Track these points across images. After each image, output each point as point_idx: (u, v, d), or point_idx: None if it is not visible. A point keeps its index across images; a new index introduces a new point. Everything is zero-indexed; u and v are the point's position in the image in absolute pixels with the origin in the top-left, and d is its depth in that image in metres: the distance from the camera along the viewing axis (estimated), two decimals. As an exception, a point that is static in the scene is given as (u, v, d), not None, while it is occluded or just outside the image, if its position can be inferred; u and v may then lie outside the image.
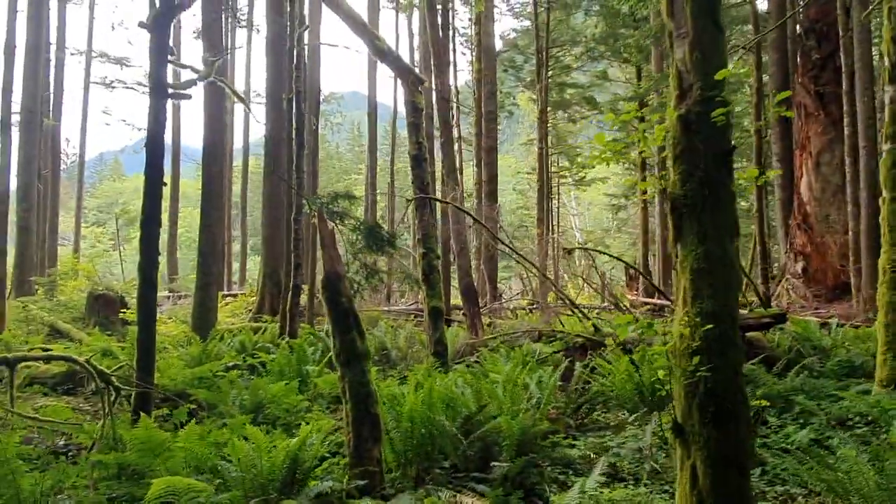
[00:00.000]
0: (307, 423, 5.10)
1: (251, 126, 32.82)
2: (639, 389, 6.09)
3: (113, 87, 23.35)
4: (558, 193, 33.70)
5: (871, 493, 3.42)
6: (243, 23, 24.72)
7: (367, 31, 9.13)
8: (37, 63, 17.58)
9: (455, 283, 16.06)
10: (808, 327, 8.94)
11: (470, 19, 27.85)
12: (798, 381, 6.52)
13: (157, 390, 5.45)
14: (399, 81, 29.90)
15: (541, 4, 22.28)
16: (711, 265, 2.71)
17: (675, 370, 2.71)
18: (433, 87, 12.55)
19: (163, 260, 28.11)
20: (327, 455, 4.72)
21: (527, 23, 29.37)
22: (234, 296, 18.79)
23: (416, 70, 10.08)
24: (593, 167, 34.19)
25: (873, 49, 13.45)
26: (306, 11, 13.39)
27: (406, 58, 20.04)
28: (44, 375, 7.76)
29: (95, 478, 4.10)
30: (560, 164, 31.85)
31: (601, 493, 4.36)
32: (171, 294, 20.94)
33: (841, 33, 13.63)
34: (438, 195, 12.33)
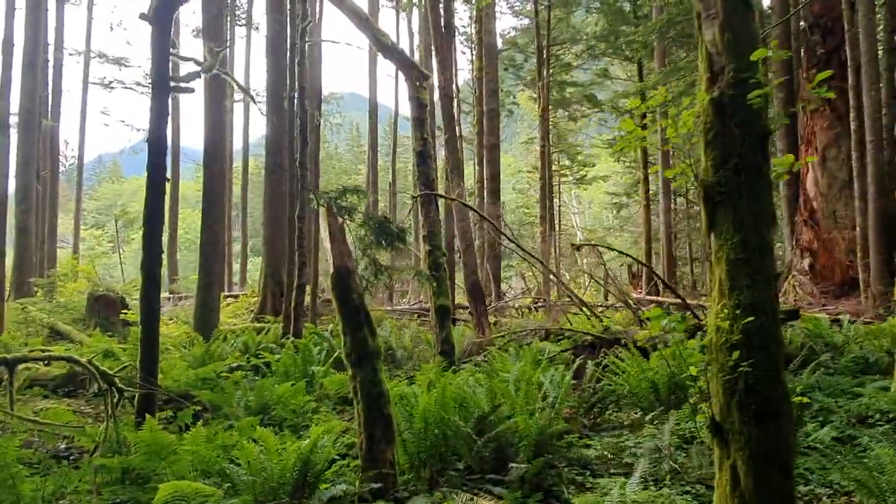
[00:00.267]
0: (315, 425, 4.96)
1: (251, 127, 32.70)
2: (654, 388, 5.95)
3: (112, 88, 23.20)
4: (559, 192, 33.56)
5: (908, 493, 3.29)
6: (242, 21, 24.57)
7: (370, 25, 9.00)
8: (35, 63, 17.44)
9: (458, 281, 15.93)
10: (819, 324, 8.81)
11: (470, 17, 27.74)
12: (814, 379, 6.38)
13: (160, 391, 5.31)
14: (400, 80, 29.78)
15: (541, 2, 22.16)
16: (749, 255, 2.57)
17: (711, 366, 2.57)
18: (436, 84, 12.42)
19: (163, 261, 27.94)
20: (337, 457, 4.59)
21: (526, 21, 29.26)
22: (236, 297, 18.65)
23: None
24: (594, 165, 34.16)
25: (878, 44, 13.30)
26: (308, 7, 13.23)
27: (407, 56, 19.87)
28: (44, 378, 7.61)
29: (98, 482, 3.96)
30: (561, 163, 31.72)
31: (623, 493, 4.23)
32: (171, 295, 20.79)
33: (846, 27, 13.50)
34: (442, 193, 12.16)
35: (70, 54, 22.91)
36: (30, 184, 16.69)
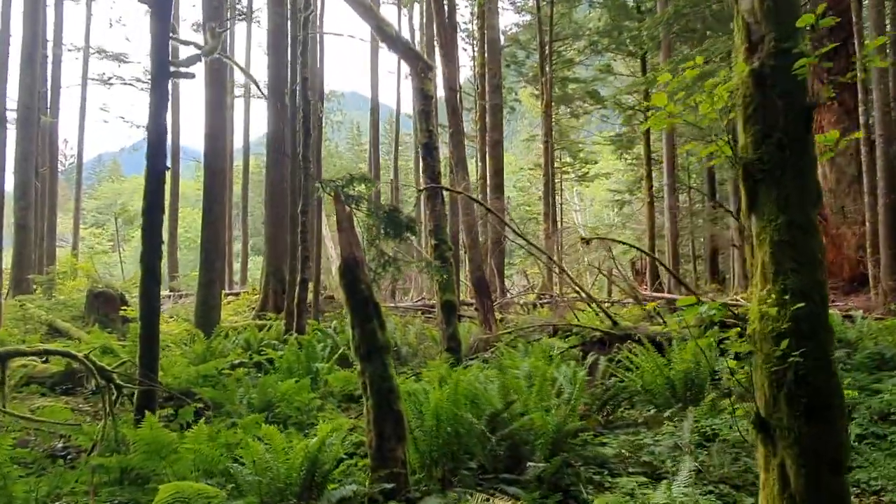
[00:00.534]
0: (321, 422, 4.78)
1: (251, 126, 32.54)
2: (670, 384, 5.76)
3: (111, 84, 23.01)
4: (561, 189, 33.35)
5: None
6: (242, 16, 24.37)
7: (373, 15, 8.81)
8: (34, 59, 17.25)
9: (460, 277, 15.75)
10: (831, 320, 8.60)
11: (471, 13, 27.55)
12: (833, 375, 6.19)
13: (161, 388, 5.12)
14: (402, 75, 29.60)
15: (544, -3, 21.97)
16: (795, 236, 2.38)
17: (755, 357, 2.38)
18: (440, 77, 12.24)
19: (163, 259, 27.79)
20: (344, 456, 4.40)
21: (528, 17, 29.06)
22: (237, 294, 18.47)
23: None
24: (596, 162, 33.95)
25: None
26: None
27: (409, 51, 19.66)
28: (41, 375, 7.43)
29: (96, 483, 3.77)
30: (563, 160, 31.50)
31: (644, 494, 4.05)
32: (172, 293, 20.61)
33: (854, 20, 13.30)
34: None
35: (69, 50, 22.72)
36: (28, 180, 16.51)
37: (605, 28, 24.12)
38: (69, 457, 5.12)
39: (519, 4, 30.13)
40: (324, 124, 28.55)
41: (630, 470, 4.56)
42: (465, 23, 28.78)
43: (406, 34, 28.48)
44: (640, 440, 5.00)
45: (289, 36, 11.82)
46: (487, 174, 18.94)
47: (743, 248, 19.07)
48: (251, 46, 37.80)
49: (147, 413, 3.80)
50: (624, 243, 12.46)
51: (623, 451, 4.86)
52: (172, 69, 5.19)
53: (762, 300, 2.38)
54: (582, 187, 39.31)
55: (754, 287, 2.48)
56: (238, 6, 23.64)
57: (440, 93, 13.34)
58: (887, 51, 12.94)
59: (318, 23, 17.81)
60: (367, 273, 4.03)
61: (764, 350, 2.34)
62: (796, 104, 2.52)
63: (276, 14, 14.31)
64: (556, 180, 28.91)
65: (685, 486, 3.12)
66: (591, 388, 6.26)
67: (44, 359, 7.32)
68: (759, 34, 2.65)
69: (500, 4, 24.20)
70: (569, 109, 30.00)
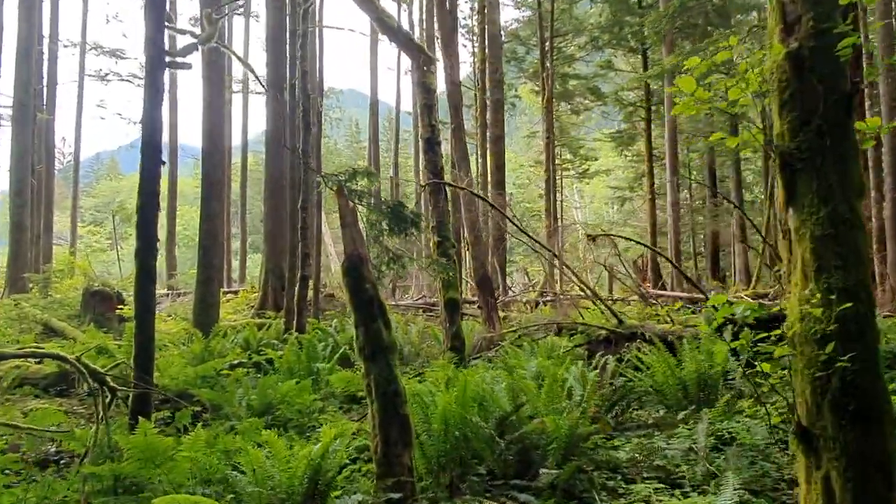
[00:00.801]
0: (323, 426, 4.60)
1: (249, 123, 32.33)
2: (682, 384, 5.59)
3: (108, 80, 22.77)
4: (561, 186, 33.16)
5: None
6: (240, 11, 24.14)
7: (374, 7, 8.61)
8: (29, 55, 17.05)
9: (462, 274, 15.56)
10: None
11: (472, 9, 27.34)
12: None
13: (156, 391, 4.94)
14: (402, 70, 29.37)
15: (544, -8, 21.76)
16: (838, 229, 2.21)
17: (795, 360, 2.20)
18: (441, 70, 12.05)
19: (161, 257, 27.57)
20: (347, 461, 4.22)
21: (528, 12, 28.84)
22: (235, 292, 18.28)
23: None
24: (596, 159, 33.77)
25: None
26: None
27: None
28: (35, 376, 7.24)
29: (87, 492, 3.59)
30: (563, 157, 31.31)
31: (660, 500, 3.88)
32: (170, 291, 20.41)
33: (860, 13, 13.10)
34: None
35: (65, 46, 22.50)
36: (24, 178, 16.32)
37: (606, 23, 23.93)
38: (62, 461, 4.95)
39: (519, 0, 29.93)
40: (323, 121, 28.35)
41: (644, 475, 4.39)
42: (464, 18, 28.56)
43: (406, 29, 28.24)
44: (652, 443, 4.83)
45: (288, 29, 11.62)
46: (488, 170, 18.76)
47: (746, 244, 18.91)
48: (250, 42, 37.50)
49: (141, 419, 3.61)
50: (630, 240, 12.29)
51: (636, 454, 4.68)
52: (168, 59, 4.99)
53: (803, 300, 2.20)
54: (582, 184, 39.13)
55: (793, 286, 2.30)
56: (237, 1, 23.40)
57: (441, 88, 13.17)
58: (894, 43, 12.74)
59: (317, 16, 17.60)
60: (371, 271, 3.85)
61: (806, 353, 2.17)
62: (837, 88, 2.34)
63: (276, 7, 14.10)
64: (557, 177, 28.74)
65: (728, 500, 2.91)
66: (599, 388, 6.09)
67: (38, 359, 7.13)
68: (795, 14, 2.48)
69: (500, -1, 24.00)
70: (569, 106, 29.81)
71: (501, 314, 11.68)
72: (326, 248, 22.49)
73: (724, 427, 4.85)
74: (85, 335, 8.93)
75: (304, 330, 9.53)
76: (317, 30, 16.60)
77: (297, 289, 9.59)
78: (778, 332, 2.46)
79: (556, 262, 9.91)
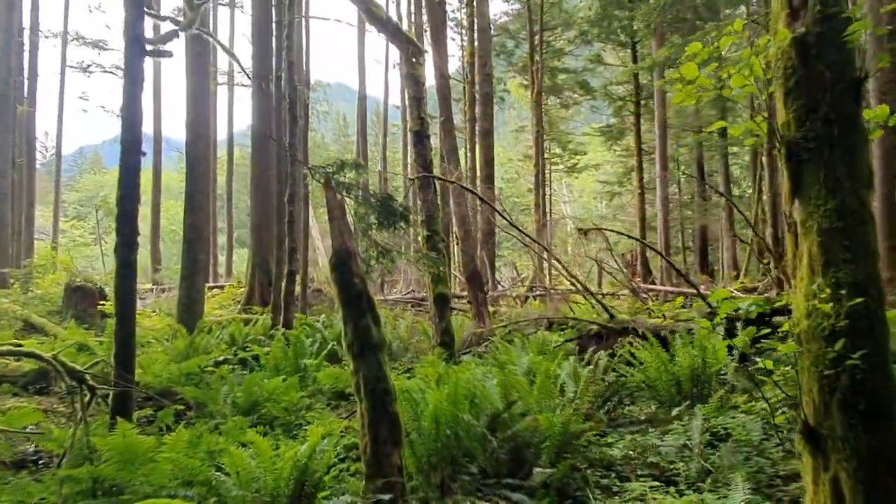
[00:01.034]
0: (311, 424, 4.49)
1: (235, 116, 31.98)
2: (675, 380, 5.52)
3: (90, 72, 22.37)
4: (549, 181, 33.12)
5: None
6: (225, 2, 23.82)
7: (363, -3, 8.46)
8: (9, 45, 16.70)
9: (451, 269, 15.45)
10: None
11: (461, 1, 27.15)
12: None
13: (138, 389, 4.80)
14: (390, 62, 29.14)
15: (534, -14, 21.64)
16: (847, 223, 2.12)
17: (801, 358, 2.12)
18: (431, 63, 11.90)
19: (146, 251, 27.21)
20: (335, 461, 4.11)
21: (518, 6, 28.69)
22: (221, 287, 18.05)
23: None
24: (585, 153, 33.76)
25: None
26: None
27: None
28: (14, 374, 7.06)
29: (65, 494, 3.46)
30: (552, 151, 31.25)
31: (656, 499, 3.81)
32: (154, 287, 20.15)
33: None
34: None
35: (46, 37, 22.06)
36: (5, 171, 16.01)
37: (595, 17, 23.84)
38: (41, 462, 4.80)
39: (508, -7, 29.77)
40: (310, 114, 28.09)
41: (639, 472, 4.32)
42: (453, 11, 28.37)
43: (394, 22, 28.00)
44: (646, 440, 4.75)
45: (273, 20, 11.43)
46: (477, 164, 18.64)
47: (737, 236, 18.95)
48: (235, 34, 36.98)
49: (120, 419, 3.48)
50: (622, 234, 12.24)
51: (630, 451, 4.61)
52: (149, 47, 4.83)
53: (810, 295, 2.12)
54: (571, 179, 39.11)
55: (798, 281, 2.22)
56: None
57: (430, 81, 13.02)
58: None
59: (303, 6, 17.36)
60: (360, 265, 3.74)
61: (813, 350, 2.08)
62: (845, 76, 2.26)
63: (261, -1, 13.89)
64: (546, 171, 28.68)
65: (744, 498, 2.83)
66: (591, 384, 6.01)
67: (17, 357, 6.94)
68: (800, -2, 2.39)
69: (489, -8, 23.84)
70: (558, 100, 29.74)
71: (491, 309, 11.59)
72: (314, 243, 22.28)
73: (718, 423, 4.79)
74: (66, 332, 8.73)
75: (291, 325, 9.39)
76: (303, 20, 16.38)
77: (283, 283, 9.45)
78: (785, 328, 2.37)
79: (547, 256, 9.82)
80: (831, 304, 2.01)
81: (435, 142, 12.83)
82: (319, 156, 46.37)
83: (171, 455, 3.36)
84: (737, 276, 18.40)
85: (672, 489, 4.03)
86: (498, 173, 39.97)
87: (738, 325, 5.10)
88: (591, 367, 5.26)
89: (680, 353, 5.54)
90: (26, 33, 20.24)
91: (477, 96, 18.87)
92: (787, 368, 2.58)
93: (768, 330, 2.55)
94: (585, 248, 13.20)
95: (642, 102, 22.96)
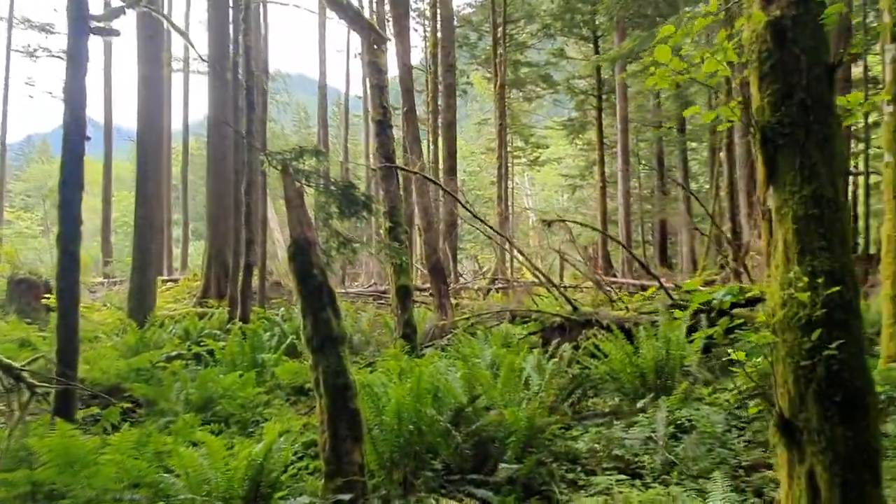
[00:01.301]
0: (268, 421, 4.31)
1: (191, 105, 31.07)
2: (639, 372, 5.52)
3: (36, 57, 21.34)
4: (512, 174, 33.20)
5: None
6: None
7: (323, -19, 8.20)
8: (-55, 24, 15.79)
9: (414, 261, 15.30)
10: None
11: (423, -9, 26.87)
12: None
13: (82, 386, 4.54)
14: (351, 54, 28.68)
15: (498, -23, 21.52)
16: (822, 210, 2.07)
17: (776, 349, 2.06)
18: (393, 53, 11.69)
19: (96, 244, 26.28)
20: (294, 459, 3.95)
21: (481, -2, 28.58)
22: (176, 280, 17.54)
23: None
24: (547, 147, 33.94)
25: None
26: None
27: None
28: (-51, 371, 6.64)
29: (1, 499, 3.23)
30: (514, 144, 31.31)
31: (622, 493, 3.76)
32: (106, 279, 19.46)
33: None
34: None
35: (-11, 19, 20.98)
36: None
37: (558, 11, 23.90)
38: (-24, 465, 4.50)
39: (472, -16, 29.61)
40: (269, 104, 27.51)
41: (604, 465, 4.28)
42: (415, 1, 28.09)
43: (355, 12, 27.54)
44: (611, 433, 4.72)
45: (230, 3, 11.05)
46: (440, 156, 18.51)
47: (698, 229, 19.27)
48: (190, 22, 35.94)
49: (58, 419, 3.25)
50: (586, 225, 12.29)
51: (595, 444, 4.57)
52: (94, 24, 4.55)
53: (785, 284, 2.06)
54: (533, 172, 39.26)
55: (773, 269, 2.16)
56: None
57: (392, 72, 12.80)
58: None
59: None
60: (319, 256, 3.58)
61: (788, 341, 2.03)
62: (820, 60, 2.20)
63: (218, -19, 13.44)
64: (508, 164, 28.73)
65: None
66: (555, 376, 5.97)
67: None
68: (775, -20, 2.33)
69: (453, -17, 23.62)
70: (521, 93, 29.77)
71: (453, 301, 11.50)
72: (272, 235, 21.84)
73: (682, 415, 4.79)
74: (7, 326, 8.29)
75: (248, 319, 9.13)
76: (261, 4, 15.95)
77: (241, 276, 9.17)
78: (760, 318, 2.32)
79: (509, 248, 9.78)
80: (808, 293, 1.96)
81: (397, 133, 12.66)
82: (279, 146, 45.52)
83: (116, 456, 3.16)
84: (694, 269, 18.76)
85: (638, 482, 4.01)
86: (460, 166, 39.91)
87: (703, 317, 5.12)
88: (556, 359, 5.18)
89: (644, 345, 5.54)
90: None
91: (440, 87, 18.72)
92: (759, 360, 2.54)
93: (741, 321, 2.52)
94: (549, 241, 13.21)
95: (604, 97, 23.15)
